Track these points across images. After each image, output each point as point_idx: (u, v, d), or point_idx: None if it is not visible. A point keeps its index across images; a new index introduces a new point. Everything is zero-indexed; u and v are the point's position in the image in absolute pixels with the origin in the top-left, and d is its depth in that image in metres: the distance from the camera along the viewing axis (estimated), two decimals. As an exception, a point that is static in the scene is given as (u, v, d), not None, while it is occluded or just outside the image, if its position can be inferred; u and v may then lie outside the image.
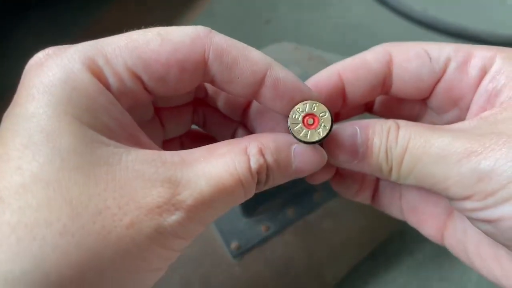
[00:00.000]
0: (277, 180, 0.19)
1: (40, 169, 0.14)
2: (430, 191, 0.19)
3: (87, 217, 0.14)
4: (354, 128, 0.20)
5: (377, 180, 0.27)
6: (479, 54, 0.20)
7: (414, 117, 0.25)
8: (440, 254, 0.53)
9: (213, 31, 0.18)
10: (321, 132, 0.19)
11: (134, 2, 0.90)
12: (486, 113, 0.19)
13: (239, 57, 0.18)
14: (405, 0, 0.82)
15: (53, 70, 0.16)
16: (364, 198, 0.27)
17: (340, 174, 0.26)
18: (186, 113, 0.25)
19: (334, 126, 0.21)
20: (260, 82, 0.19)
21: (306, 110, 0.19)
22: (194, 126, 0.26)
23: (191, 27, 0.18)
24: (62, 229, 0.14)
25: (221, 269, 0.38)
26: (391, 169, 0.20)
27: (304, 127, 0.19)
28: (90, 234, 0.14)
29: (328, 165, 0.21)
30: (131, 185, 0.15)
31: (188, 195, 0.16)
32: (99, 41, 0.17)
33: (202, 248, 0.38)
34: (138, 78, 0.18)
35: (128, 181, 0.15)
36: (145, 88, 0.18)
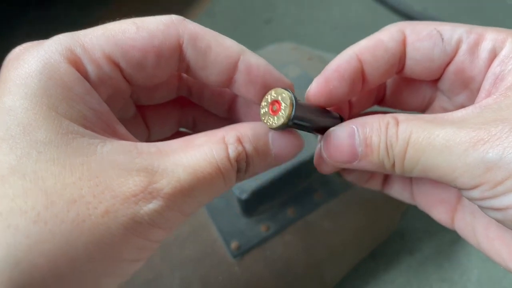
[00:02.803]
0: (258, 167, 0.19)
1: (17, 161, 0.15)
2: (439, 182, 0.19)
3: (62, 206, 0.15)
4: (351, 128, 0.20)
5: None
6: (490, 36, 0.20)
7: (425, 103, 0.25)
8: (440, 254, 0.53)
9: (186, 19, 0.19)
10: (279, 119, 0.19)
11: (134, 2, 0.90)
12: (489, 100, 0.19)
13: (213, 42, 0.18)
14: (405, 0, 0.82)
15: (29, 62, 0.16)
16: (375, 184, 0.27)
17: None
18: (171, 113, 0.24)
19: (331, 129, 0.21)
20: (234, 67, 0.19)
21: (273, 96, 0.19)
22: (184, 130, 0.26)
23: (165, 16, 0.19)
24: (36, 217, 0.14)
25: (221, 269, 0.38)
26: (393, 165, 0.19)
27: (270, 112, 0.19)
28: (63, 221, 0.14)
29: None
30: (107, 175, 0.15)
31: (165, 183, 0.16)
32: (75, 33, 0.18)
33: (202, 248, 0.38)
34: (116, 64, 0.18)
35: (103, 171, 0.16)
36: (124, 76, 0.19)
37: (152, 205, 0.16)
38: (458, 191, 0.24)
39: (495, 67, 0.20)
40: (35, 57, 0.16)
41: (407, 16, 0.81)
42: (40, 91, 0.16)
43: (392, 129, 0.19)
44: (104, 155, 0.16)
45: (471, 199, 0.19)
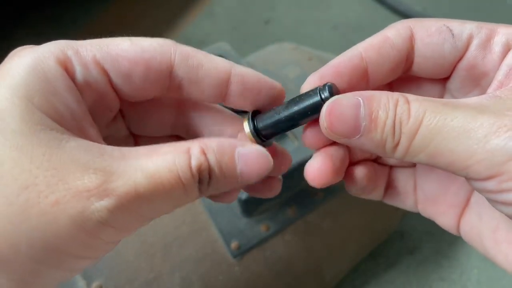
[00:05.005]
0: (222, 181, 0.19)
1: None
2: (444, 170, 0.18)
3: (13, 189, 0.15)
4: (357, 99, 0.18)
5: (390, 174, 0.26)
6: (503, 30, 0.20)
7: None
8: (440, 254, 0.53)
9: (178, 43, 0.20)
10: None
11: (134, 2, 0.90)
12: (504, 90, 0.18)
13: (204, 59, 0.20)
14: (405, 0, 0.82)
15: (23, 58, 0.18)
16: (376, 195, 0.26)
17: (352, 176, 0.24)
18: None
19: (335, 96, 0.19)
20: (227, 80, 0.20)
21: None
22: None
23: (160, 38, 0.20)
24: None
25: (221, 269, 0.38)
26: (397, 145, 0.18)
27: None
28: (12, 204, 0.15)
29: (335, 169, 0.21)
30: (64, 168, 0.16)
31: (120, 184, 0.16)
32: (74, 41, 0.19)
33: (202, 248, 0.38)
34: (104, 71, 0.19)
35: (62, 164, 0.16)
36: (112, 86, 0.19)
37: (104, 203, 0.16)
38: (467, 194, 0.23)
39: (509, 59, 0.19)
40: (29, 54, 0.18)
41: (407, 16, 0.81)
42: (21, 82, 0.17)
43: (403, 106, 0.18)
44: (67, 150, 0.16)
45: (482, 191, 0.18)
